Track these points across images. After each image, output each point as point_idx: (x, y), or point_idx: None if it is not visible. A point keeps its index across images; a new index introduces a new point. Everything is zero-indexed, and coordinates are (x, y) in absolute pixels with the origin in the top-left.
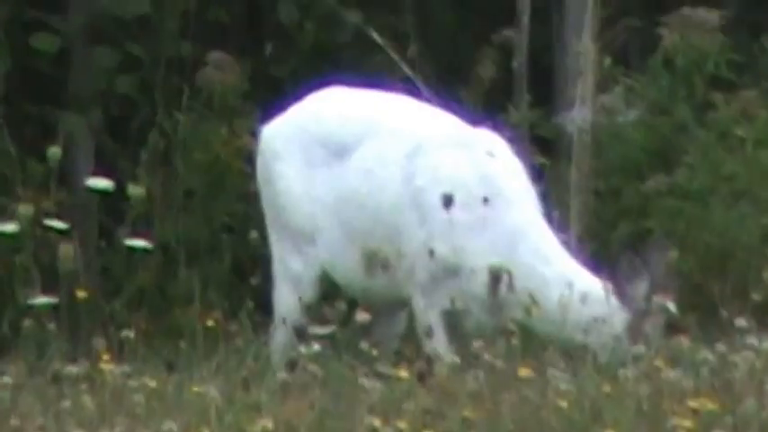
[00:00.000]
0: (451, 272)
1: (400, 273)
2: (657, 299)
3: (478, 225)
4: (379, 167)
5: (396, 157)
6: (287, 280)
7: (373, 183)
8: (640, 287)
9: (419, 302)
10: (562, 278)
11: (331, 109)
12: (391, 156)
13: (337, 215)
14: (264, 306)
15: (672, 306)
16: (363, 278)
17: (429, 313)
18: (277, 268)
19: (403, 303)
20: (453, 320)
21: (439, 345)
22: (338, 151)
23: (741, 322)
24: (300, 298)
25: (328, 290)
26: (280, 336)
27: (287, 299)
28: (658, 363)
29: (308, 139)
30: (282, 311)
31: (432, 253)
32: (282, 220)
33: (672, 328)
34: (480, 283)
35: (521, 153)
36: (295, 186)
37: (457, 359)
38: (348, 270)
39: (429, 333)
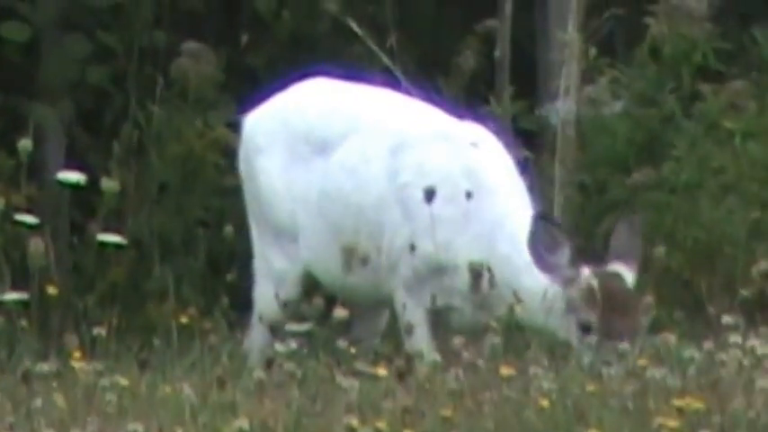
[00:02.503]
0: (436, 269)
1: (383, 270)
2: (617, 266)
3: (463, 220)
4: (362, 164)
5: (379, 154)
6: (269, 278)
7: (357, 180)
8: (562, 255)
9: (403, 300)
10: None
11: (314, 102)
12: (375, 152)
13: (320, 212)
14: (240, 303)
15: (629, 275)
16: (346, 276)
17: (414, 311)
18: (258, 265)
19: (385, 301)
20: (437, 318)
21: (422, 343)
22: (321, 147)
23: (728, 319)
24: (278, 295)
25: (309, 286)
26: (257, 334)
27: (268, 297)
28: (643, 361)
29: (290, 134)
30: (263, 309)
31: (413, 248)
32: (264, 215)
33: (658, 325)
34: (465, 279)
35: (504, 146)
36: (277, 182)
37: (438, 357)
38: (330, 268)
39: (411, 331)
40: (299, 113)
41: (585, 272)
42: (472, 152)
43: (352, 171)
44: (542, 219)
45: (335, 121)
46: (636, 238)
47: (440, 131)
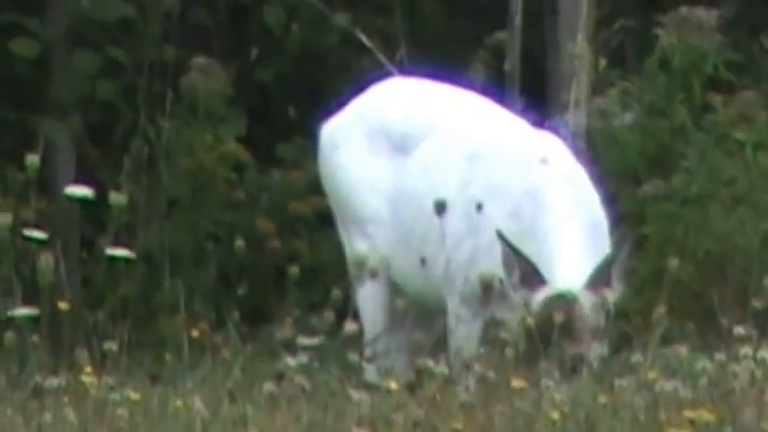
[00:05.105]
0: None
1: (439, 279)
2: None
3: (522, 236)
4: (438, 167)
5: (456, 159)
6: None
7: (432, 182)
8: (516, 276)
9: (458, 312)
10: None
11: (395, 100)
12: (452, 157)
13: (394, 210)
14: (251, 316)
15: (610, 297)
16: (418, 280)
17: (469, 324)
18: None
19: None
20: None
21: (470, 354)
22: (401, 144)
23: (740, 331)
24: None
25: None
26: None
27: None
28: (655, 373)
29: (370, 128)
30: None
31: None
32: (347, 210)
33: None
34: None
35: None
36: (357, 173)
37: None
38: (402, 269)
39: (463, 342)
40: (380, 109)
41: (538, 296)
42: (539, 169)
43: (428, 172)
44: (500, 238)
45: (417, 119)
46: (621, 252)
47: (512, 146)
